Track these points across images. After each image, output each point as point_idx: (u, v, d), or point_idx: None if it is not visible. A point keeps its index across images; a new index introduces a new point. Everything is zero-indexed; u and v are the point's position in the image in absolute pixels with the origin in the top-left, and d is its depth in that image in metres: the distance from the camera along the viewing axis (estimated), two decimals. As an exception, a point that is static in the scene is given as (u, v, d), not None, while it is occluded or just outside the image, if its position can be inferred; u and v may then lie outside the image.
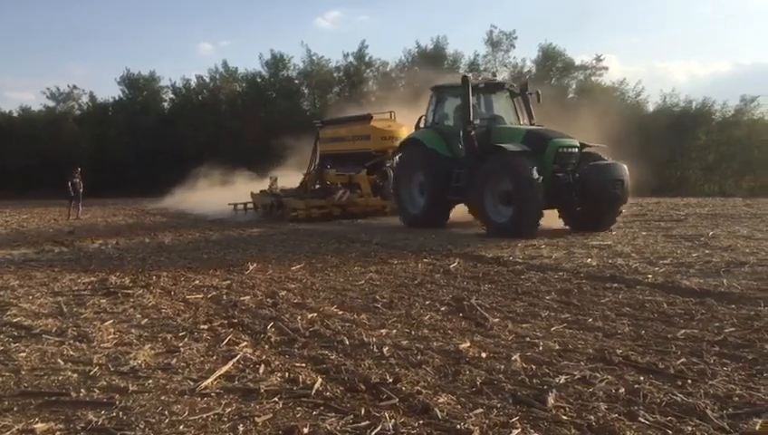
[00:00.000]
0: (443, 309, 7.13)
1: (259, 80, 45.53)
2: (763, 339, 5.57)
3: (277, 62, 44.81)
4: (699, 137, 36.65)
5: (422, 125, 16.99)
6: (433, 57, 41.17)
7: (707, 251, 10.53)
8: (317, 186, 21.92)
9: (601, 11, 65.79)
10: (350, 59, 43.31)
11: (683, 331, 5.91)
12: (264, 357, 5.48)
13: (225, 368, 5.15)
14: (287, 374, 5.01)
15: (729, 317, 6.35)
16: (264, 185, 23.52)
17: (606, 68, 41.50)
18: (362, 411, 4.23)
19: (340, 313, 7.10)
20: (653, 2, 63.02)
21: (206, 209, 24.40)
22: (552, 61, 41.41)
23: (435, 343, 5.76)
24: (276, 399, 4.50)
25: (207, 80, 47.01)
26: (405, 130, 19.41)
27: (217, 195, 26.20)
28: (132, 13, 79.11)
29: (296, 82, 45.05)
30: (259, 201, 22.21)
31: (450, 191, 15.35)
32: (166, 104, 49.97)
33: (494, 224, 13.83)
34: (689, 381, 4.59)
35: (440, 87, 17.08)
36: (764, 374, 4.70)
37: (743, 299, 7.09)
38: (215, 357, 5.54)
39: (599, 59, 41.25)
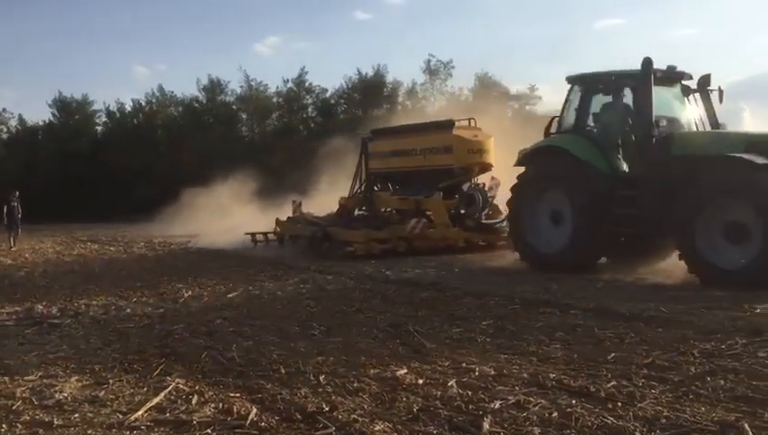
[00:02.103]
0: (380, 335, 7.13)
1: (196, 104, 45.03)
2: (689, 362, 5.75)
3: (214, 87, 44.45)
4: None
5: (553, 130, 12.70)
6: (373, 84, 41.57)
7: (637, 276, 10.85)
8: (359, 211, 17.89)
9: (536, 43, 67.87)
10: (290, 84, 43.35)
11: (613, 354, 6.05)
12: (197, 387, 5.35)
13: (155, 399, 5.01)
14: (221, 405, 4.91)
15: (657, 340, 6.54)
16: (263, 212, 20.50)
17: (539, 97, 42.68)
18: (297, 442, 4.18)
19: (277, 340, 7.01)
20: (582, 33, 65.42)
21: (213, 240, 20.03)
22: (487, 90, 42.32)
23: (372, 370, 5.74)
24: (209, 431, 4.40)
25: (143, 104, 46.27)
26: (492, 143, 16.38)
27: (221, 223, 22.56)
28: (64, 34, 77.13)
29: (234, 107, 44.73)
30: (288, 231, 18.11)
31: (612, 221, 11.16)
32: (99, 128, 48.86)
33: (716, 270, 9.72)
34: (619, 403, 4.69)
35: (589, 76, 12.31)
36: (690, 396, 4.84)
37: (669, 322, 7.32)
38: (145, 388, 5.38)
39: (532, 89, 42.41)
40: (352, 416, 4.59)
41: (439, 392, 5.07)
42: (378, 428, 4.36)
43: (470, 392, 5.04)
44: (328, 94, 43.05)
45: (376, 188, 18.08)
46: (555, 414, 4.50)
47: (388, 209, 17.27)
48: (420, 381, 5.36)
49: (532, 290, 9.64)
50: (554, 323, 7.45)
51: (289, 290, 10.57)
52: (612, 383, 5.15)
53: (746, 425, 4.19)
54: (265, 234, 18.58)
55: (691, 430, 4.16)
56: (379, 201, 17.48)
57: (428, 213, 16.01)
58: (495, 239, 15.56)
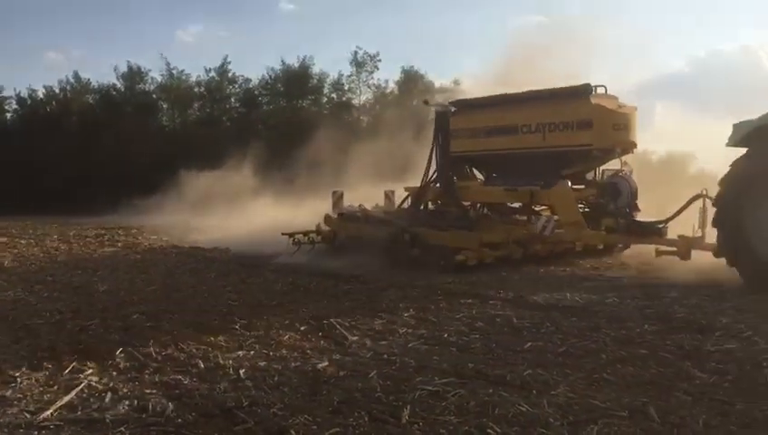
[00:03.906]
0: (302, 328, 7.08)
1: (114, 93, 43.49)
2: (602, 349, 5.98)
3: (133, 75, 43.00)
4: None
5: None
6: (298, 75, 41.15)
7: (553, 268, 11.17)
8: (435, 204, 14.00)
9: (460, 36, 68.74)
10: (212, 74, 42.41)
11: (530, 343, 6.22)
12: (111, 385, 5.19)
13: (66, 398, 4.84)
14: (136, 402, 4.78)
15: (572, 329, 6.76)
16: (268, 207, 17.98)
17: (463, 91, 43.19)
18: (215, 437, 4.11)
19: (196, 335, 6.87)
20: (503, 27, 66.84)
21: (247, 241, 15.59)
22: (413, 83, 42.61)
23: (293, 364, 5.71)
24: (123, 428, 4.28)
25: (57, 91, 44.32)
26: (637, 117, 12.21)
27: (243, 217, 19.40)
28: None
29: (154, 96, 43.44)
30: (348, 231, 13.77)
31: None
32: (9, 115, 46.50)
33: None
34: (534, 391, 4.83)
35: None
36: (601, 382, 5.03)
37: (584, 312, 7.58)
38: (56, 387, 5.18)
39: (456, 82, 42.92)
40: (272, 410, 4.56)
41: (360, 384, 5.09)
42: (298, 421, 4.34)
43: (390, 383, 5.08)
44: (251, 85, 42.38)
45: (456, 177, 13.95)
46: (473, 403, 4.60)
47: (474, 205, 13.70)
48: (342, 374, 5.37)
49: (454, 281, 9.78)
50: (475, 314, 7.59)
51: (209, 283, 10.36)
52: (528, 372, 5.29)
53: (653, 409, 4.39)
54: (307, 234, 14.00)
55: (602, 416, 4.32)
56: (469, 193, 13.56)
57: (541, 208, 12.82)
58: (657, 243, 10.56)
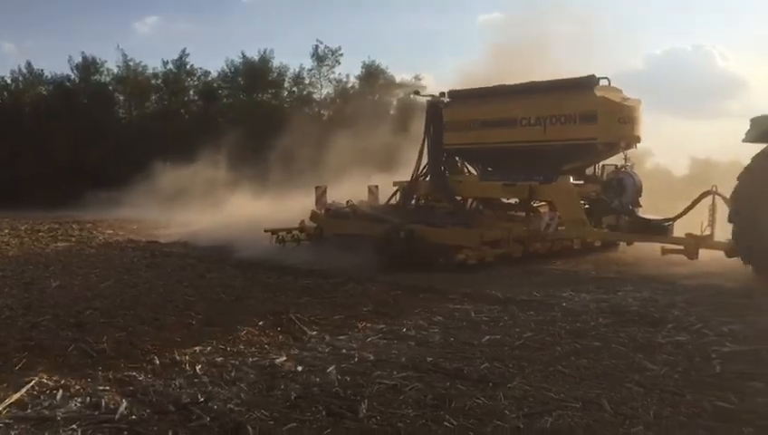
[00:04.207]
0: (260, 323, 7.02)
1: (68, 84, 42.49)
2: (557, 342, 6.07)
3: (89, 66, 42.07)
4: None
5: None
6: (258, 69, 40.76)
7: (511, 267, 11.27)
8: (426, 200, 13.46)
9: (421, 33, 68.93)
10: (170, 66, 41.72)
11: (488, 337, 6.28)
12: (62, 382, 5.07)
13: (16, 395, 4.71)
14: (88, 399, 4.69)
15: (528, 323, 6.85)
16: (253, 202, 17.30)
17: (424, 87, 43.25)
18: (169, 434, 4.05)
19: (152, 331, 6.76)
20: (470, 25, 67.14)
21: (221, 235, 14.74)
22: (374, 78, 42.57)
23: (250, 359, 5.66)
24: (75, 426, 4.20)
25: (9, 81, 43.13)
26: (642, 110, 11.73)
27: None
28: None
29: (110, 87, 42.56)
30: (336, 228, 12.98)
31: None
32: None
33: None
34: (491, 384, 4.88)
35: None
36: (556, 375, 5.11)
37: (541, 305, 7.68)
38: (5, 384, 5.03)
39: (417, 78, 43.01)
40: (229, 405, 4.52)
41: (318, 379, 5.08)
42: (255, 417, 4.31)
43: (348, 378, 5.08)
44: (210, 78, 41.81)
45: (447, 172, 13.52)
46: (430, 396, 4.62)
47: (466, 200, 13.18)
48: (299, 369, 5.35)
49: (414, 277, 9.80)
50: (433, 308, 7.62)
51: (165, 279, 10.21)
52: (485, 365, 5.34)
53: (605, 400, 4.47)
54: (291, 231, 13.44)
55: (556, 408, 4.38)
56: (463, 188, 13.04)
57: (539, 205, 12.42)
58: (664, 242, 10.35)
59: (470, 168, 13.65)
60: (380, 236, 11.48)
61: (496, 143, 12.27)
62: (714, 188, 9.63)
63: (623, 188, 11.16)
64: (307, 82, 41.72)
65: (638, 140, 11.65)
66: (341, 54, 41.99)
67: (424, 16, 73.17)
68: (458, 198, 13.04)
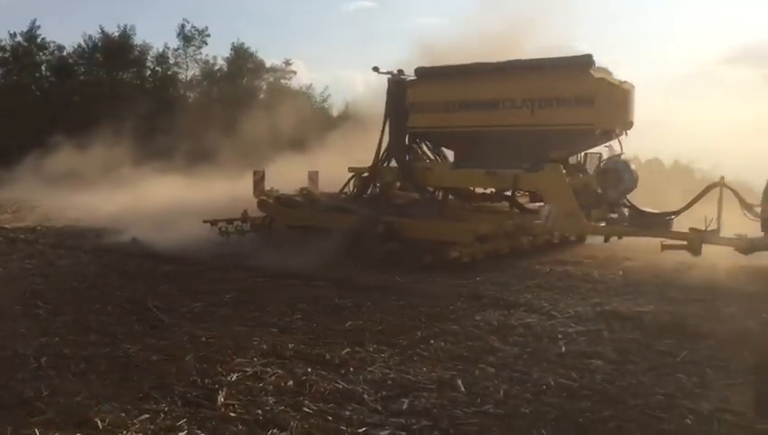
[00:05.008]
0: (115, 312, 6.72)
1: None
2: (416, 326, 6.23)
3: None
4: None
5: None
6: (118, 46, 38.71)
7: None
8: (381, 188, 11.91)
9: (290, 15, 68.18)
10: (19, 39, 38.71)
11: (350, 322, 6.34)
12: None
13: None
14: None
15: (390, 308, 6.99)
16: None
17: (294, 72, 42.97)
18: (9, 430, 3.79)
19: (-8, 322, 6.29)
20: (336, 11, 67.17)
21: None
22: (243, 60, 41.69)
23: (102, 349, 5.40)
24: None
25: None
26: (635, 95, 11.02)
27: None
28: None
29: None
30: (292, 219, 11.62)
31: None
32: None
33: None
34: (351, 369, 4.95)
35: None
36: (415, 358, 5.25)
37: (403, 291, 7.85)
38: None
39: (287, 63, 42.60)
40: (76, 399, 4.29)
41: (175, 368, 4.93)
42: (104, 409, 4.13)
43: (207, 366, 4.97)
44: (65, 53, 39.22)
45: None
46: (291, 383, 4.62)
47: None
48: (155, 358, 5.17)
49: (278, 263, 9.70)
50: (297, 295, 7.60)
51: (11, 266, 9.52)
52: (347, 350, 5.40)
53: (460, 381, 4.66)
54: (232, 221, 11.80)
55: (413, 389, 4.52)
56: (432, 176, 11.65)
57: (519, 195, 11.41)
58: (665, 237, 9.31)
59: (430, 153, 12.30)
60: (353, 229, 10.13)
61: (472, 127, 11.05)
62: (722, 180, 9.06)
63: (620, 178, 10.13)
64: (172, 62, 40.23)
65: (631, 125, 10.95)
66: (209, 35, 40.84)
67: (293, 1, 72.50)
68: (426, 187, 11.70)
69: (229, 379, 4.69)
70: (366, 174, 11.95)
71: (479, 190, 11.84)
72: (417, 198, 11.36)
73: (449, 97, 11.26)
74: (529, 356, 5.32)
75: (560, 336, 5.90)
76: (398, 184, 11.90)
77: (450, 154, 12.15)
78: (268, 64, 42.27)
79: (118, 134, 25.37)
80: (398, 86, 11.73)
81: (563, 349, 5.53)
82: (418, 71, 11.90)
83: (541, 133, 10.36)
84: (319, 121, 28.57)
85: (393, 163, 11.77)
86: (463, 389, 4.53)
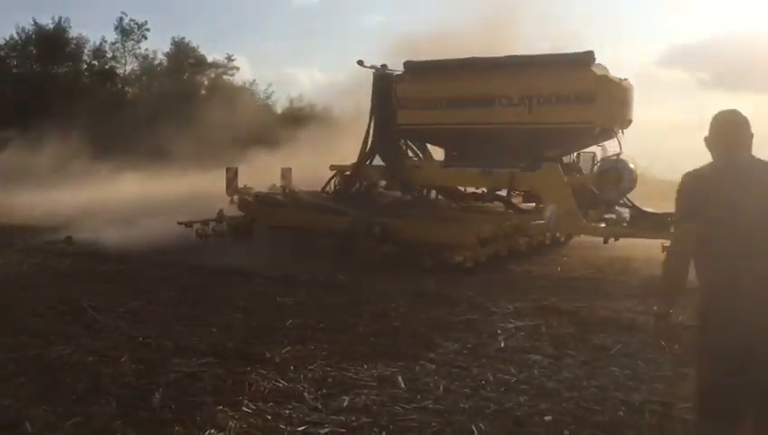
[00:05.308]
0: (48, 313, 6.51)
1: None
2: (359, 323, 6.23)
3: None
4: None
5: None
6: (53, 38, 37.42)
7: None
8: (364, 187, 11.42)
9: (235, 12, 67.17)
10: (-55, 29, 37.14)
11: (291, 320, 6.29)
12: None
13: None
14: None
15: (333, 305, 6.96)
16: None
17: (237, 68, 42.32)
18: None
19: None
20: (280, 8, 66.54)
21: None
22: (184, 56, 40.86)
23: (32, 352, 5.23)
24: None
25: None
26: (633, 93, 10.73)
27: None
28: None
29: None
30: (275, 219, 10.96)
31: None
32: None
33: None
34: (292, 367, 4.91)
35: None
36: (356, 355, 5.25)
37: (346, 288, 7.83)
38: None
39: (230, 59, 41.94)
40: (5, 403, 4.14)
41: (110, 370, 4.81)
42: (35, 413, 3.99)
43: (144, 367, 4.86)
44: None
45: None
46: (230, 382, 4.57)
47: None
48: (89, 359, 5.03)
49: (219, 260, 9.56)
50: (238, 293, 7.51)
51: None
52: (288, 348, 5.35)
53: (400, 377, 4.68)
54: (206, 222, 11.25)
55: (353, 387, 4.52)
56: (422, 175, 11.29)
57: (515, 195, 11.11)
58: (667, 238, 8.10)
59: (418, 151, 11.87)
60: (346, 231, 9.78)
61: (466, 124, 10.63)
62: None
63: (620, 177, 9.91)
64: (110, 56, 39.13)
65: (629, 124, 10.68)
66: (148, 29, 39.84)
67: (238, -5, 71.44)
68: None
69: (166, 379, 4.60)
70: (348, 172, 11.57)
71: (469, 190, 11.59)
72: (402, 198, 11.02)
73: (440, 93, 10.86)
74: (469, 352, 5.37)
75: (499, 332, 5.97)
76: (383, 183, 11.43)
77: (436, 152, 11.91)
78: (210, 60, 41.57)
79: (55, 129, 24.58)
80: (383, 81, 11.37)
81: (502, 344, 5.61)
82: (407, 65, 11.46)
83: (538, 131, 10.09)
84: (263, 119, 28.35)
85: (378, 161, 11.40)
86: (403, 385, 4.55)
